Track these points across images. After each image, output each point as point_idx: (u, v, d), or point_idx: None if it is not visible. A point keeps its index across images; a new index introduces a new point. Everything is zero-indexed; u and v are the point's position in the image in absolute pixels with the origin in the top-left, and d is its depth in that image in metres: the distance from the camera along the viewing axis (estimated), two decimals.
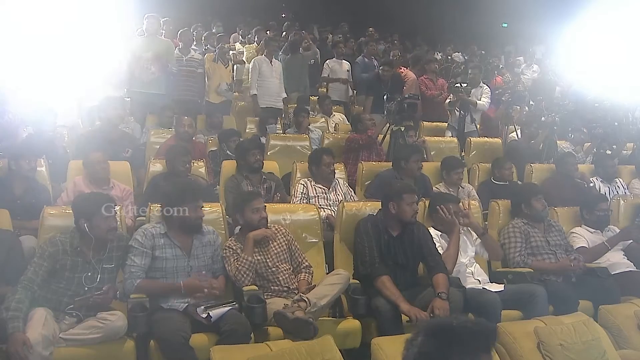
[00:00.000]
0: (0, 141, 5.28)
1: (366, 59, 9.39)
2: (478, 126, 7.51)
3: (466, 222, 4.31)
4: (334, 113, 8.06)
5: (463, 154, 6.70)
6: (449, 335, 1.57)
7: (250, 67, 7.76)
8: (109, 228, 3.44)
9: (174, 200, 3.61)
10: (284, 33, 10.37)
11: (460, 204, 4.38)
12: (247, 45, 10.39)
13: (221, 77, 7.85)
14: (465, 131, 7.21)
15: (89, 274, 3.39)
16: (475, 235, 4.38)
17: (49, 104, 5.81)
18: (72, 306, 3.32)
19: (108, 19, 6.95)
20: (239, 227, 4.02)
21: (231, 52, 9.19)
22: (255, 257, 3.78)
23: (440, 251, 4.07)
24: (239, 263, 3.73)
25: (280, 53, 8.87)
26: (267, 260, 3.85)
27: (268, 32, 10.35)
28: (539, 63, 11.49)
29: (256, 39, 9.48)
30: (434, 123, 7.74)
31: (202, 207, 3.70)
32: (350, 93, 9.06)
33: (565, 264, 4.40)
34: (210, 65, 7.78)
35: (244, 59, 9.53)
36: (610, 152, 6.75)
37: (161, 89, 7.14)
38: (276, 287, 3.81)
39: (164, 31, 7.65)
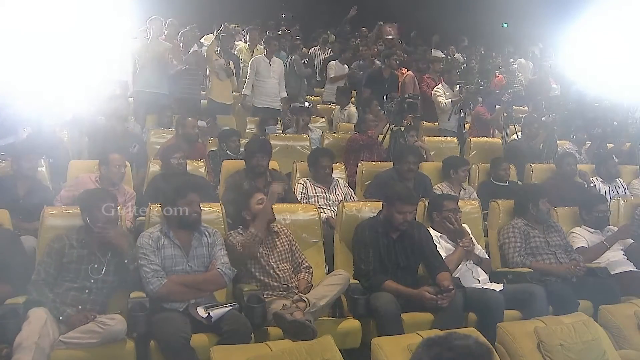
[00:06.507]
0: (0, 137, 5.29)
1: (361, 62, 9.39)
2: (467, 125, 7.50)
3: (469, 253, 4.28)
4: (350, 104, 7.98)
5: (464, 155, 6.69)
6: (445, 352, 1.64)
7: (248, 66, 7.73)
8: (106, 221, 3.49)
9: (169, 198, 3.66)
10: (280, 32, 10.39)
11: (465, 239, 4.28)
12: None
13: None
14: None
15: (95, 265, 3.44)
16: (475, 241, 4.37)
17: (51, 103, 5.80)
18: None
19: (111, 18, 6.93)
20: (240, 227, 4.02)
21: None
22: (260, 250, 3.80)
23: (440, 252, 4.07)
24: (245, 236, 3.74)
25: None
26: (270, 257, 3.86)
27: (268, 32, 10.31)
28: (536, 63, 11.46)
29: (248, 38, 9.44)
30: (434, 123, 7.74)
31: (198, 202, 3.69)
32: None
33: (565, 266, 4.39)
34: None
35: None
36: (602, 151, 6.75)
37: (165, 88, 7.15)
38: (276, 286, 3.81)
39: (166, 31, 7.65)
